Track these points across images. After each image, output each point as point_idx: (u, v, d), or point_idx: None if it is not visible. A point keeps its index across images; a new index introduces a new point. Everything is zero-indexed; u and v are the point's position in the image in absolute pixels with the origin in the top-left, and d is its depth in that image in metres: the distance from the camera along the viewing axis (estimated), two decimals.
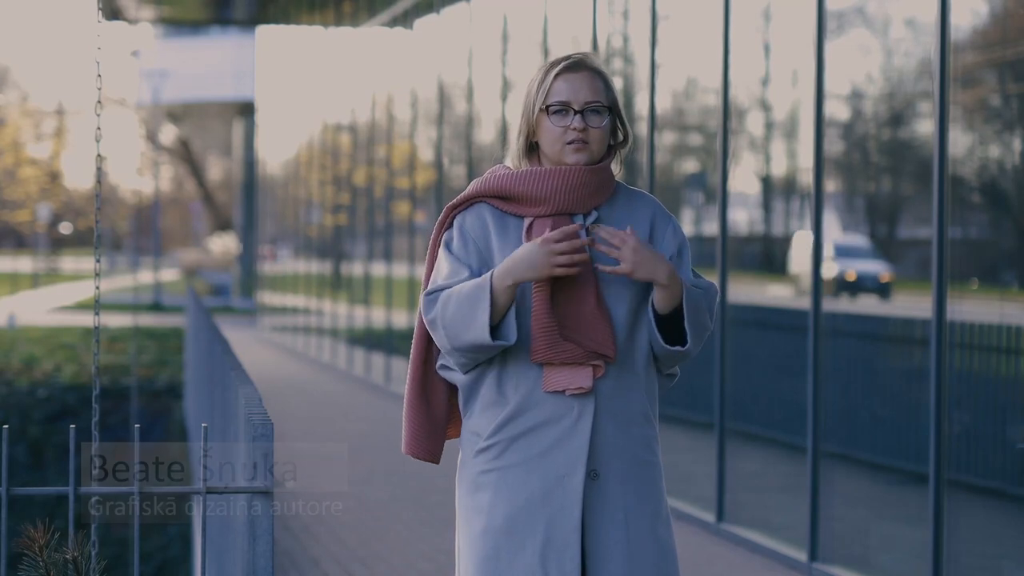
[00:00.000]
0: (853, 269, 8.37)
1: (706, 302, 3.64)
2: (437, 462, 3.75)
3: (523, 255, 3.51)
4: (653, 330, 3.60)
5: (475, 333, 3.50)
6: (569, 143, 3.62)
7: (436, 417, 3.73)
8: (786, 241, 9.23)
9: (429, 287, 3.63)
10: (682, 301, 3.58)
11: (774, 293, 8.56)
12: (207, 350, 10.13)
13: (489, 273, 3.53)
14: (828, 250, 8.34)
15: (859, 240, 8.34)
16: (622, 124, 3.69)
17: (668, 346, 3.61)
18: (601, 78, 3.66)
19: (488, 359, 3.60)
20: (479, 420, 3.64)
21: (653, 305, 3.60)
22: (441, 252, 3.66)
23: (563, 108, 3.62)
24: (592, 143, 3.63)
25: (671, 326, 3.63)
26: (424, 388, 3.72)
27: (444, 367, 3.69)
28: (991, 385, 6.95)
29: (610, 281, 3.61)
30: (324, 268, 24.16)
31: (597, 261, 3.59)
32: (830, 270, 8.31)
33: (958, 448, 6.93)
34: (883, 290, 8.33)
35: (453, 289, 3.57)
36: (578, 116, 3.61)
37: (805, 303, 8.11)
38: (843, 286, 8.52)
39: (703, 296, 3.64)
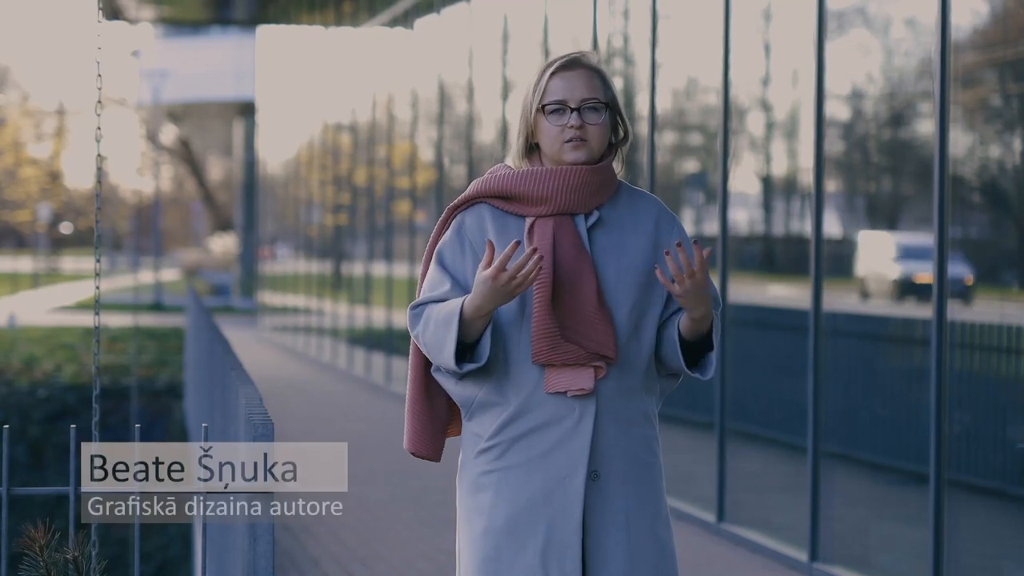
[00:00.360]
0: (924, 271, 7.26)
1: (719, 324, 3.66)
2: (438, 460, 3.75)
3: (482, 292, 3.49)
4: (677, 354, 3.61)
5: (445, 357, 3.53)
6: (567, 141, 3.61)
7: (438, 415, 3.74)
8: (787, 241, 9.22)
9: (416, 300, 3.65)
10: (709, 332, 3.60)
11: (843, 298, 7.98)
12: (207, 350, 10.13)
13: (461, 301, 3.53)
14: (890, 251, 7.80)
15: (930, 240, 7.01)
16: (622, 121, 3.68)
17: (688, 371, 3.62)
18: (598, 75, 3.65)
19: (485, 362, 3.60)
20: (480, 421, 3.64)
21: (680, 330, 3.60)
22: (433, 261, 3.67)
23: (560, 107, 3.61)
24: (591, 140, 3.62)
25: (684, 344, 3.64)
26: (426, 386, 3.73)
27: (438, 369, 3.69)
28: (991, 385, 6.95)
29: (611, 282, 3.61)
30: (324, 268, 24.16)
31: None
32: (892, 272, 7.75)
33: (958, 448, 6.93)
34: (965, 294, 7.29)
35: (433, 310, 3.59)
36: (575, 114, 3.60)
37: (873, 308, 8.07)
38: (910, 289, 7.75)
39: (716, 319, 3.65)
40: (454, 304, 3.54)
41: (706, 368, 3.65)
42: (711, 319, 3.59)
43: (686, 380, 3.77)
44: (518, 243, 3.52)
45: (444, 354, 3.53)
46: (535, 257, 3.46)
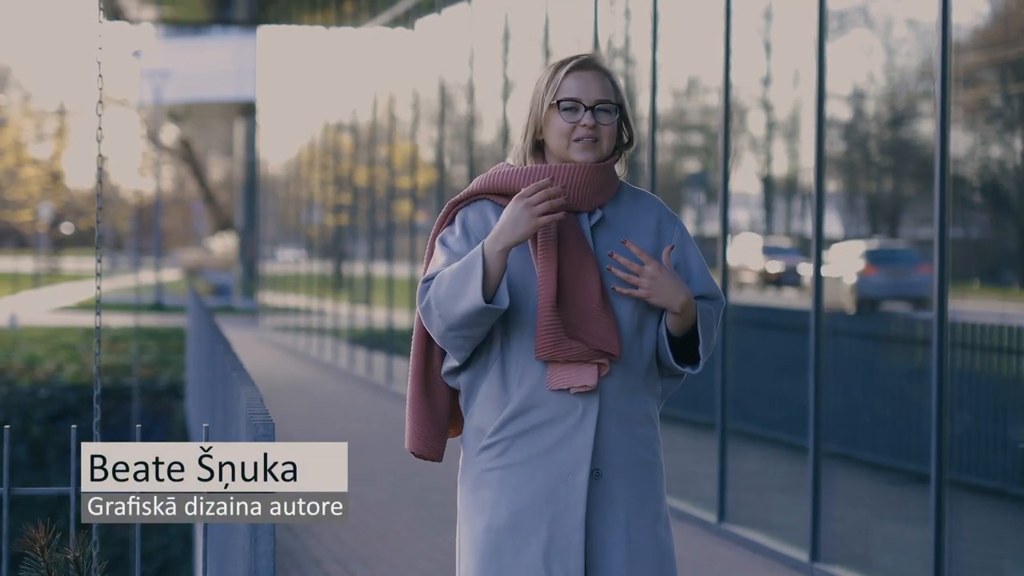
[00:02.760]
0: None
1: (715, 319, 3.65)
2: (440, 460, 3.74)
3: (506, 218, 3.51)
4: (665, 350, 3.61)
5: (468, 300, 3.48)
6: (577, 140, 3.62)
7: (439, 414, 3.73)
8: (788, 241, 9.22)
9: (424, 277, 3.63)
10: (696, 325, 3.59)
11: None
12: (208, 350, 10.14)
13: (480, 244, 3.53)
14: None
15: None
16: (627, 125, 3.70)
17: (679, 366, 3.62)
18: (609, 78, 3.66)
19: (488, 352, 3.59)
20: (482, 417, 3.63)
21: (667, 326, 3.60)
22: (437, 246, 3.66)
23: (574, 105, 3.62)
24: (602, 140, 3.63)
25: (679, 341, 3.64)
26: (426, 385, 3.72)
27: (448, 373, 3.68)
28: (992, 385, 6.95)
29: (616, 279, 3.60)
30: (325, 268, 24.16)
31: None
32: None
33: (959, 448, 6.93)
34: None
35: (445, 270, 3.57)
36: (589, 113, 3.62)
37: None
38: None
39: (713, 314, 3.64)
40: (471, 252, 3.53)
41: (695, 363, 3.65)
42: (693, 314, 3.59)
43: (688, 380, 3.77)
44: (552, 180, 3.53)
45: (468, 293, 3.48)
46: (561, 199, 3.51)
